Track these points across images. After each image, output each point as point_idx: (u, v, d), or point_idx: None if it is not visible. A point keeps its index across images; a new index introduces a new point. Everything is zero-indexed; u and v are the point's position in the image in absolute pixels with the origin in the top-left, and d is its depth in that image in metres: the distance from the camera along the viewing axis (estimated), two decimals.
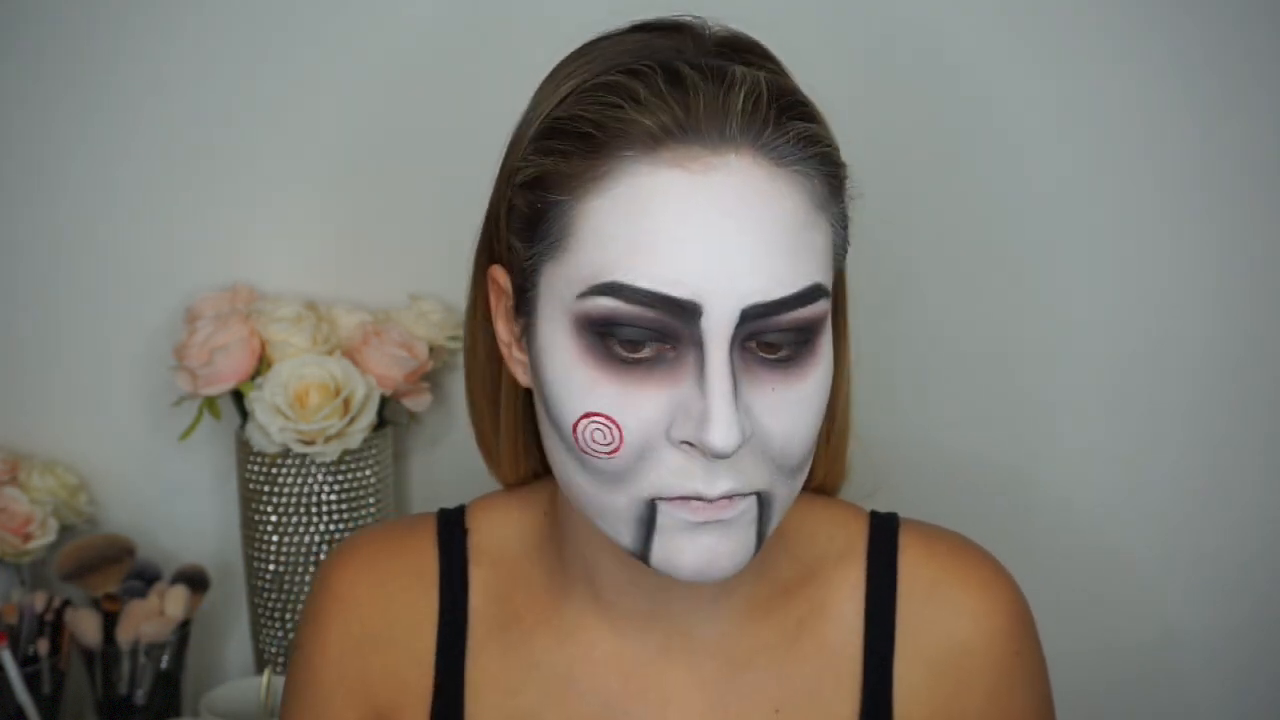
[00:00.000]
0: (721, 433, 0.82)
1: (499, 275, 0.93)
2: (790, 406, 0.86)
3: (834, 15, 1.42)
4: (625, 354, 0.84)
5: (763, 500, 0.87)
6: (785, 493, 0.88)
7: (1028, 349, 1.45)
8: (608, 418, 0.85)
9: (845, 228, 0.90)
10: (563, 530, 0.99)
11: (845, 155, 0.90)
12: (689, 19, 0.91)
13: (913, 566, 0.99)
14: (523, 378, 0.93)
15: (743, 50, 0.90)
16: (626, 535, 0.88)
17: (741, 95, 0.84)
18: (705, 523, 0.85)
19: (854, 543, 1.00)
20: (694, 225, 0.83)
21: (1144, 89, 1.40)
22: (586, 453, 0.86)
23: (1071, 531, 1.45)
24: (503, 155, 0.92)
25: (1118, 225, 1.42)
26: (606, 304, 0.83)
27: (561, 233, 0.86)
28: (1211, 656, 1.45)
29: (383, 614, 1.02)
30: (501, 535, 1.02)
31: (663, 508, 0.86)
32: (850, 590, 0.99)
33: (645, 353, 0.84)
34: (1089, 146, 1.41)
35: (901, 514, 1.02)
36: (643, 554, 0.88)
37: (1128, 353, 1.43)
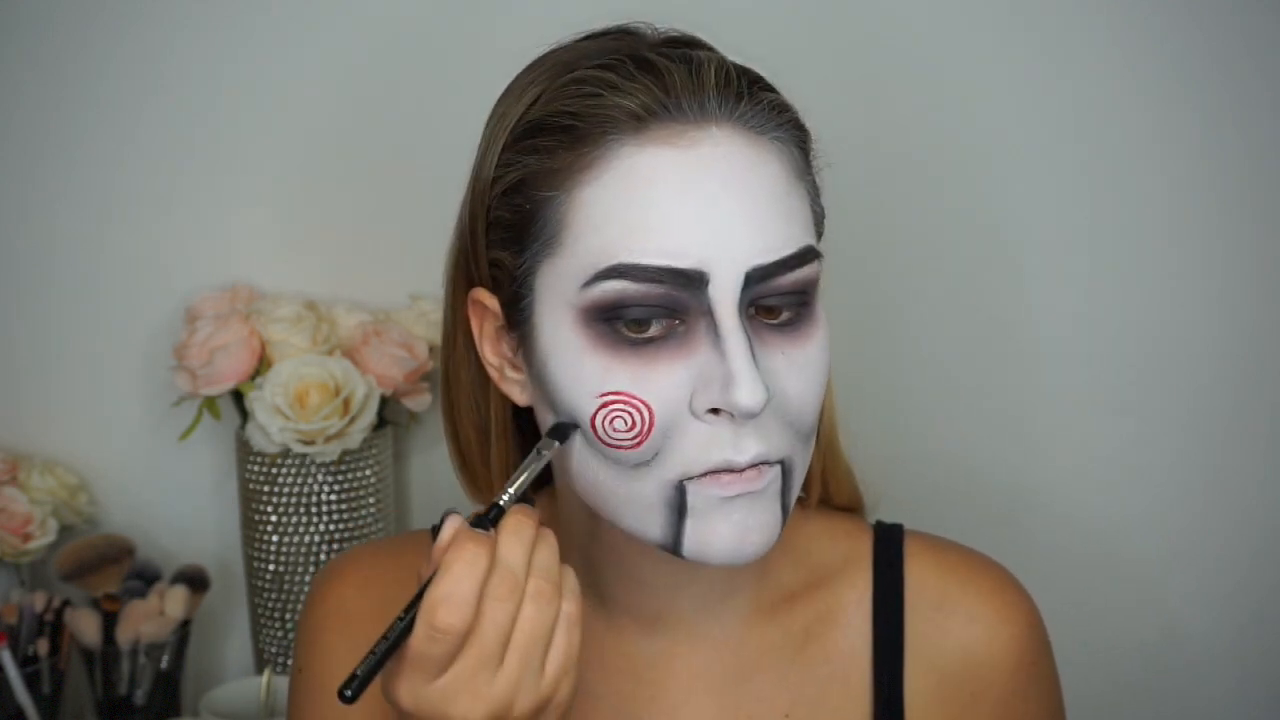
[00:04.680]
0: (748, 390, 0.83)
1: (482, 297, 0.92)
2: (800, 369, 0.87)
3: (817, 19, 1.42)
4: (633, 335, 0.84)
5: (786, 469, 0.87)
6: (802, 461, 0.89)
7: (1026, 350, 1.45)
8: (629, 397, 0.84)
9: (818, 197, 0.92)
10: (564, 539, 0.98)
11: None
12: (636, 25, 0.92)
13: (920, 576, 1.00)
14: (520, 397, 0.92)
15: (691, 45, 0.91)
16: (655, 526, 0.87)
17: (713, 71, 0.86)
18: (737, 496, 0.85)
19: (858, 552, 1.01)
20: (691, 197, 0.84)
21: (1144, 87, 1.39)
22: (609, 445, 0.85)
23: (1072, 533, 1.45)
24: (471, 175, 0.92)
25: (1117, 226, 1.42)
26: (614, 287, 0.84)
27: (556, 228, 0.86)
28: (1213, 657, 1.45)
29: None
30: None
31: (691, 488, 0.85)
32: (857, 600, 0.99)
33: (653, 331, 0.84)
34: (1088, 147, 1.41)
35: (901, 523, 1.02)
36: (675, 543, 0.87)
37: (1128, 353, 1.43)
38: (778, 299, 0.86)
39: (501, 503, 0.84)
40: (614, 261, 0.84)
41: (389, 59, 1.49)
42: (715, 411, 0.84)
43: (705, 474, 0.85)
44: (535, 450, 0.86)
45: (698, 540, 0.86)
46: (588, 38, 0.92)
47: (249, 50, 1.51)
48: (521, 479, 0.85)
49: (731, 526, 0.86)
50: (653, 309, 0.84)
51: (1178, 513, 1.45)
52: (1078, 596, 1.43)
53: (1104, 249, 1.43)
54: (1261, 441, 1.43)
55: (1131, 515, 1.45)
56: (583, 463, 0.88)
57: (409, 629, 0.80)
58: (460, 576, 0.79)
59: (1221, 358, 1.42)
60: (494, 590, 0.80)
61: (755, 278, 0.84)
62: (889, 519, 1.03)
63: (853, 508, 1.03)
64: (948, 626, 0.98)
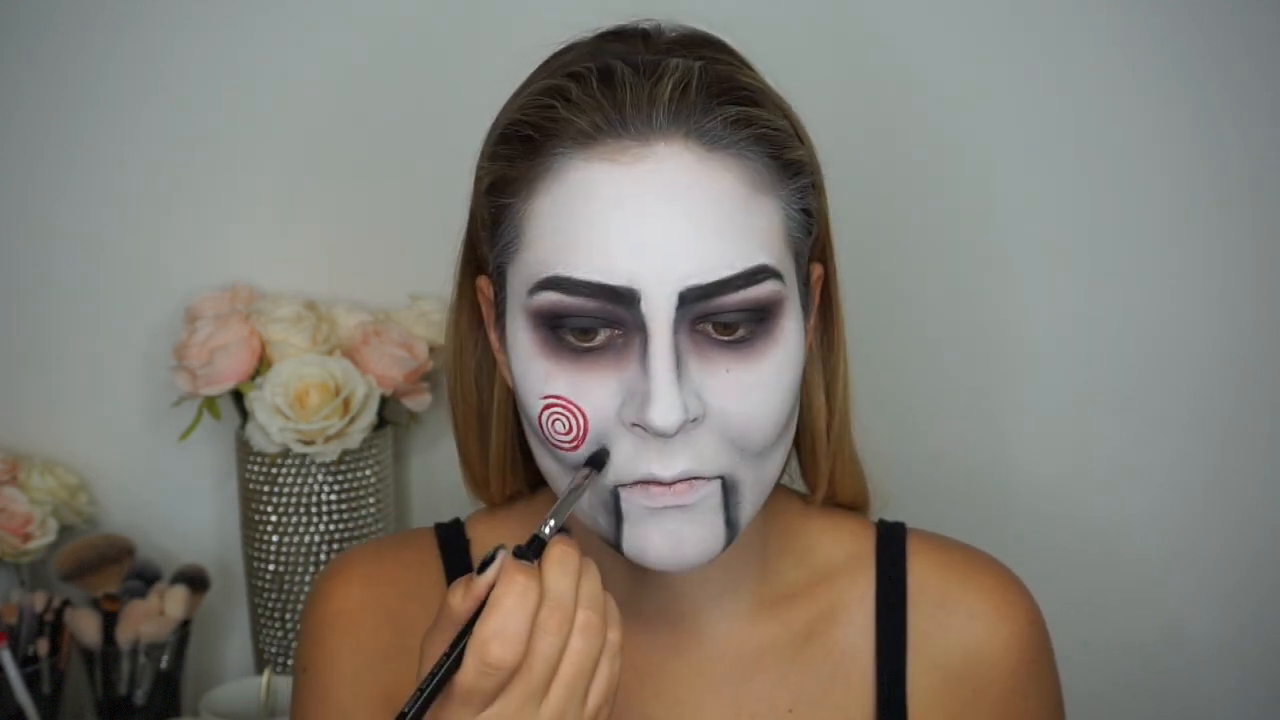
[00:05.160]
0: (661, 410, 0.83)
1: (484, 285, 0.94)
2: (748, 389, 0.86)
3: (817, 19, 1.42)
4: (577, 342, 0.86)
5: (727, 485, 0.87)
6: (752, 478, 0.89)
7: (1026, 349, 1.45)
8: (567, 402, 0.86)
9: (807, 211, 0.90)
10: None
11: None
12: (649, 24, 0.93)
13: (922, 574, 1.00)
14: (510, 382, 0.94)
15: (698, 46, 0.92)
16: (603, 525, 0.89)
17: (669, 85, 0.86)
18: (665, 508, 0.86)
19: (862, 550, 1.01)
20: (624, 214, 0.85)
21: (1144, 87, 1.40)
22: (552, 444, 0.88)
23: (1072, 532, 1.45)
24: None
25: (1117, 226, 1.42)
26: (551, 298, 0.86)
27: (514, 234, 0.88)
28: (1213, 657, 1.45)
29: (392, 627, 1.01)
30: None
31: (624, 495, 0.87)
32: (860, 597, 1.00)
33: (598, 340, 0.86)
34: (1088, 147, 1.41)
35: (904, 521, 1.03)
36: (616, 543, 0.89)
37: (1128, 353, 1.43)
38: (731, 316, 0.86)
39: (544, 534, 0.83)
40: (550, 273, 0.86)
41: (389, 59, 1.49)
42: (639, 425, 0.85)
43: (635, 483, 0.87)
44: (572, 481, 0.87)
45: (634, 544, 0.88)
46: (602, 35, 0.93)
47: (249, 50, 1.51)
48: (561, 510, 0.85)
49: (665, 535, 0.87)
50: (593, 319, 0.85)
51: (1178, 513, 1.45)
52: (1078, 596, 1.43)
53: (1104, 249, 1.43)
54: (1261, 441, 1.43)
55: (1131, 515, 1.45)
56: (543, 463, 0.91)
57: (457, 663, 0.80)
58: (511, 610, 0.79)
59: (1221, 358, 1.42)
60: (544, 623, 0.80)
61: (692, 297, 0.84)
62: (890, 518, 1.04)
63: (857, 506, 1.03)
64: (949, 624, 0.99)
